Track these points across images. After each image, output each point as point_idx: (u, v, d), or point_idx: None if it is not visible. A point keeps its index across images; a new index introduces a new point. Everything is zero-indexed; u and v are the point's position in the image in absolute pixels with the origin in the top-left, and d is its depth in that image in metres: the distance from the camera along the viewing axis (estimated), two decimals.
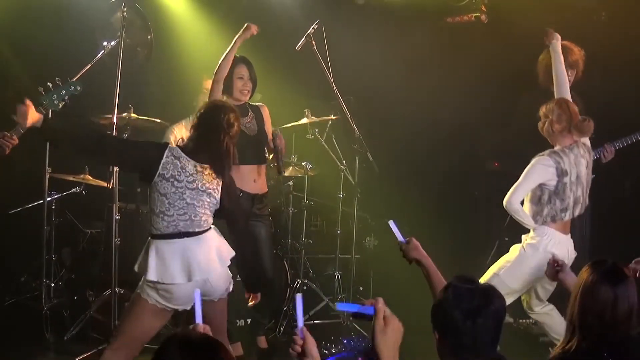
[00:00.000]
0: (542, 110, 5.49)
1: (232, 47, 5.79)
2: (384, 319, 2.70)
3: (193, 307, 4.49)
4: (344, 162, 6.91)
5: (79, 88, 4.71)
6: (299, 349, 2.61)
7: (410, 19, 8.09)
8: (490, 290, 2.91)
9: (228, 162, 4.59)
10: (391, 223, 4.12)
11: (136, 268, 4.59)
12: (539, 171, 5.35)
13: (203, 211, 4.51)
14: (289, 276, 6.69)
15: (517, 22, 7.19)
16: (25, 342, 6.05)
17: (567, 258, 5.30)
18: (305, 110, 6.75)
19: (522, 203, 5.43)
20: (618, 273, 3.39)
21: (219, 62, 5.75)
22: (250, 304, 4.98)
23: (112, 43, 6.15)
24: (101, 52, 6.15)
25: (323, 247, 7.47)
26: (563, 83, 5.74)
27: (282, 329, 6.50)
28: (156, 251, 4.45)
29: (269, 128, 6.01)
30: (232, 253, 4.68)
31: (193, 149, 4.53)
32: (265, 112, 6.04)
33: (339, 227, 7.00)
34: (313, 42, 6.26)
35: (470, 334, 2.80)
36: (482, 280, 5.29)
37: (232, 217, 4.74)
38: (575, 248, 5.58)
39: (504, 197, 5.40)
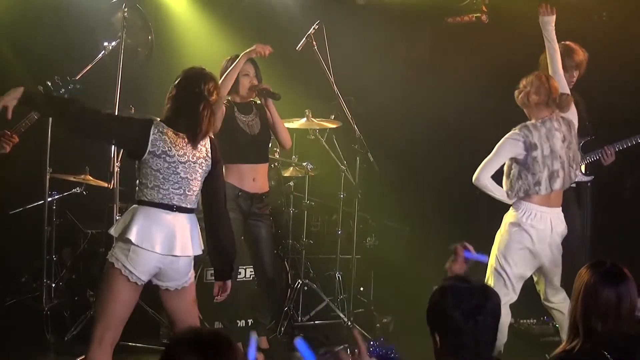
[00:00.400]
0: (522, 82, 5.46)
1: (236, 64, 5.72)
2: None
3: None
4: (345, 162, 6.91)
5: (78, 87, 4.70)
6: None
7: (411, 19, 8.09)
8: (486, 288, 2.92)
9: (205, 128, 4.44)
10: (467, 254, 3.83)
11: (112, 230, 4.46)
12: (507, 146, 5.33)
13: (196, 184, 4.44)
14: (289, 277, 6.69)
15: (517, 22, 7.18)
16: (25, 343, 6.05)
17: (550, 232, 5.32)
18: (306, 110, 6.75)
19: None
20: (619, 273, 3.39)
21: (222, 79, 5.66)
22: (218, 297, 4.79)
23: (113, 43, 6.15)
24: (102, 53, 6.15)
25: (324, 248, 7.47)
26: (557, 71, 5.66)
27: (282, 329, 6.50)
28: (144, 216, 4.35)
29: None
30: (202, 249, 4.58)
31: (176, 119, 4.43)
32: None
33: (339, 227, 7.00)
34: (314, 43, 6.26)
35: (471, 333, 2.79)
36: (487, 280, 5.29)
37: (213, 191, 4.60)
38: (575, 248, 5.58)
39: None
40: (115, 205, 5.96)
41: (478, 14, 7.94)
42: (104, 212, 6.29)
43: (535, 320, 6.58)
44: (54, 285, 6.52)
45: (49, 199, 6.43)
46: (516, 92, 5.47)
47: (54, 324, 6.26)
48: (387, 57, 8.15)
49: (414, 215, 7.86)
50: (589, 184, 6.49)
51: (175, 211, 4.40)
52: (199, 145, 4.45)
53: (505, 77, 7.16)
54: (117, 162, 5.97)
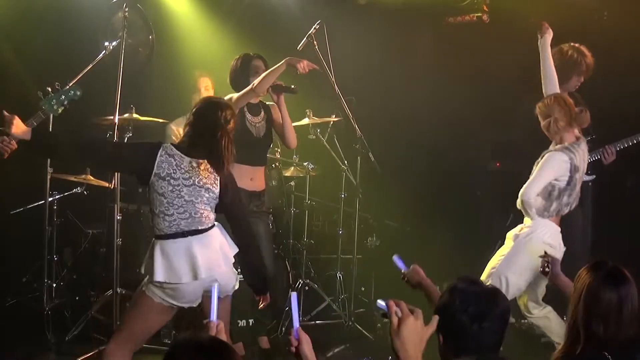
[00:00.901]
0: (540, 109, 5.48)
1: (277, 67, 5.63)
2: (398, 319, 2.62)
3: (199, 305, 4.55)
4: (346, 162, 6.91)
5: (78, 93, 4.69)
6: (293, 349, 2.60)
7: (411, 19, 8.08)
8: (496, 292, 2.91)
9: (227, 157, 4.50)
10: (395, 258, 4.15)
11: (142, 270, 4.55)
12: (555, 166, 5.34)
13: (203, 207, 4.46)
14: (290, 276, 6.68)
15: (518, 22, 7.18)
16: (26, 343, 6.04)
17: (560, 250, 5.34)
18: (307, 110, 6.75)
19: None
20: (620, 275, 3.38)
21: (259, 80, 5.60)
22: (261, 306, 4.95)
23: (114, 43, 6.15)
24: (102, 53, 6.14)
25: (325, 248, 7.47)
26: (551, 78, 5.74)
27: (284, 329, 6.49)
28: (161, 252, 4.42)
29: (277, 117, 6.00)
30: (235, 250, 4.66)
31: (189, 145, 4.48)
32: (276, 113, 6.04)
33: (340, 227, 7.01)
34: (315, 42, 6.26)
35: (476, 337, 2.79)
36: (483, 277, 5.30)
37: (234, 218, 4.69)
38: (577, 249, 5.57)
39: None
40: (116, 205, 5.95)
41: (479, 14, 7.94)
42: (105, 212, 6.30)
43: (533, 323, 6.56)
44: (54, 285, 6.52)
45: (50, 199, 6.43)
46: (543, 124, 5.49)
47: (55, 324, 6.26)
48: (388, 56, 8.15)
49: (415, 215, 7.86)
50: (590, 183, 6.49)
51: (187, 236, 4.44)
52: (208, 172, 4.49)
53: (506, 77, 7.17)
54: None
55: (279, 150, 6.79)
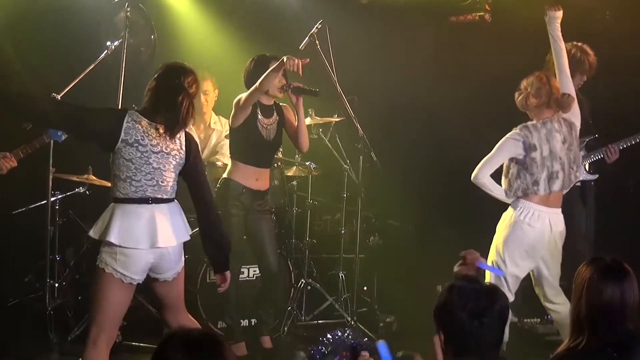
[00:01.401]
0: (523, 83, 5.45)
1: (277, 66, 5.59)
2: None
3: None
4: (348, 161, 6.90)
5: None
6: None
7: (414, 18, 8.08)
8: (495, 290, 2.91)
9: (184, 121, 4.45)
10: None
11: (92, 232, 4.43)
12: (507, 146, 5.35)
13: (169, 175, 4.43)
14: (293, 276, 6.68)
15: (521, 20, 7.17)
16: (29, 342, 6.05)
17: (549, 232, 5.32)
18: (310, 110, 6.74)
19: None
20: (621, 269, 3.39)
21: (261, 80, 5.58)
22: (221, 288, 4.78)
23: (116, 43, 6.15)
24: (105, 52, 6.15)
25: (327, 247, 7.47)
26: (563, 69, 5.53)
27: (286, 329, 6.49)
28: (121, 214, 4.34)
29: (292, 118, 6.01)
30: (189, 233, 4.61)
31: (152, 110, 4.45)
32: (290, 115, 6.04)
33: (343, 226, 7.01)
34: (317, 42, 6.26)
35: (475, 334, 2.79)
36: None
37: (194, 180, 4.60)
38: (580, 247, 5.55)
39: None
40: None
41: (481, 13, 7.93)
42: None
43: (539, 320, 6.56)
44: (57, 285, 6.51)
45: (52, 199, 6.42)
46: (516, 94, 5.47)
47: (57, 323, 6.26)
48: (390, 56, 8.14)
49: (417, 214, 7.86)
50: (592, 182, 6.49)
51: (151, 203, 4.40)
52: (175, 138, 4.45)
53: (509, 76, 7.15)
54: None
55: (281, 150, 6.79)
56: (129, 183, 4.36)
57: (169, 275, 4.51)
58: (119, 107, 5.85)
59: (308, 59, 5.65)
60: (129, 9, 6.11)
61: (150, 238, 4.35)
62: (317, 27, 6.30)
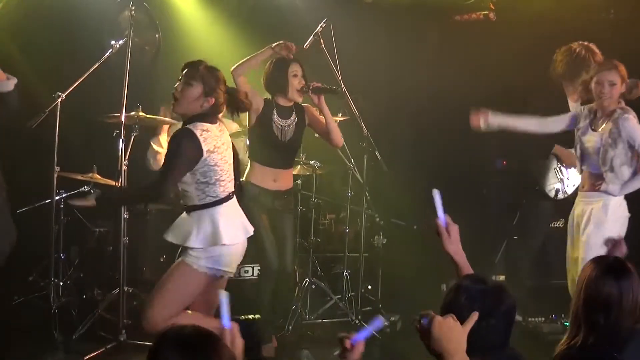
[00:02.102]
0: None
1: (262, 52, 5.72)
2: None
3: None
4: (352, 160, 6.90)
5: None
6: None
7: (418, 16, 8.07)
8: (501, 290, 2.89)
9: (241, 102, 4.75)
10: (436, 194, 3.70)
11: (192, 243, 4.48)
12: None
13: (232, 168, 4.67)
14: (297, 275, 6.68)
15: (525, 19, 7.16)
16: (33, 341, 6.05)
17: None
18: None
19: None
20: (621, 268, 3.38)
21: (242, 61, 5.66)
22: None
23: (120, 42, 6.15)
24: (109, 51, 6.15)
25: (331, 246, 7.47)
26: (528, 125, 5.79)
27: (290, 327, 6.49)
28: (220, 216, 4.51)
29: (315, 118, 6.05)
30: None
31: (208, 114, 4.55)
32: (314, 115, 6.05)
33: (347, 225, 7.00)
34: (321, 41, 6.26)
35: (483, 335, 2.78)
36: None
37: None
38: None
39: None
40: None
41: (486, 12, 7.93)
42: (112, 210, 6.30)
43: (543, 319, 6.57)
44: (61, 283, 6.51)
45: (57, 198, 6.42)
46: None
47: (62, 322, 6.25)
48: (394, 54, 8.13)
49: (421, 213, 7.84)
50: None
51: (232, 197, 4.64)
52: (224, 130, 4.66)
53: (513, 75, 7.15)
54: (124, 160, 5.97)
55: None
56: (217, 185, 4.52)
57: (234, 266, 4.71)
58: (124, 106, 5.85)
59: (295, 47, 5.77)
60: (133, 8, 6.10)
61: (242, 229, 4.65)
62: (321, 26, 6.29)
